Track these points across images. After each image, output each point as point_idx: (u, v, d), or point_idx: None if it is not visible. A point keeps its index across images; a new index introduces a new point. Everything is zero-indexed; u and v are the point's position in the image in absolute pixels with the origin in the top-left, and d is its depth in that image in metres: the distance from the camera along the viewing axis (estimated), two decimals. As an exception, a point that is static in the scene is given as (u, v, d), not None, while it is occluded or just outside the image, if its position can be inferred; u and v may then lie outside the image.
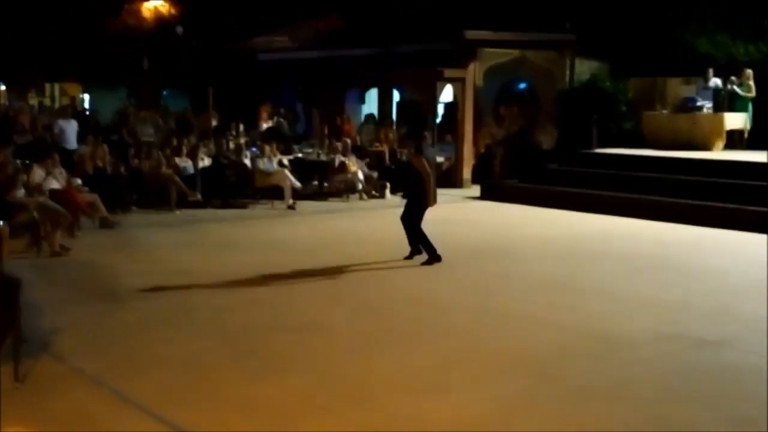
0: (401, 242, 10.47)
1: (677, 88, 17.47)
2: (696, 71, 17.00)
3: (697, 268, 9.86)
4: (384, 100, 22.46)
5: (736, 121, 16.50)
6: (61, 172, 12.02)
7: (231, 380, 5.75)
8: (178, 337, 6.82)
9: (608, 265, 10.07)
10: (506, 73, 18.99)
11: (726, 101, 16.34)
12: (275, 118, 19.87)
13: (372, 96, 22.58)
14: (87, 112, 21.81)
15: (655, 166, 15.05)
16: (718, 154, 15.79)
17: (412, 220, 9.98)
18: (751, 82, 16.36)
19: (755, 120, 16.53)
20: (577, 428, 4.99)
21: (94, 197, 12.23)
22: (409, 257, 10.04)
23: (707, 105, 16.52)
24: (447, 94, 20.36)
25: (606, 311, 7.76)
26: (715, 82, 16.45)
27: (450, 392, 5.59)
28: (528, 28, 18.30)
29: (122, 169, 14.23)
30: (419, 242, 9.99)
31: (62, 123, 16.20)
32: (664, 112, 17.29)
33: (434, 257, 9.83)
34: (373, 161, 17.41)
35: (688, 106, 16.62)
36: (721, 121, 16.34)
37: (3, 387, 5.42)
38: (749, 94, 16.39)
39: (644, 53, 17.76)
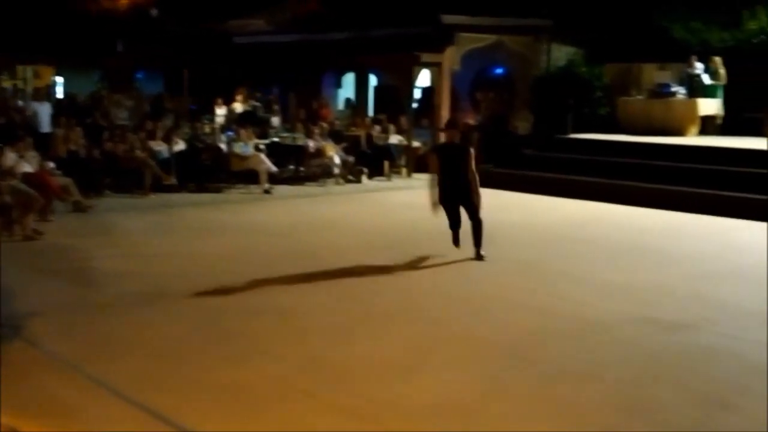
0: (377, 226, 10.48)
1: (652, 73, 17.57)
2: (671, 57, 17.11)
3: (672, 253, 9.95)
4: (360, 85, 22.41)
5: (709, 107, 16.64)
6: (33, 155, 11.91)
7: (208, 365, 5.72)
8: (154, 321, 6.78)
9: (584, 249, 10.14)
10: (483, 58, 18.99)
11: (700, 87, 16.49)
12: (250, 102, 19.76)
13: (348, 80, 22.50)
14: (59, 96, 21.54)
15: (630, 152, 15.16)
16: (693, 139, 15.93)
17: None
18: (722, 70, 16.49)
19: (727, 106, 16.68)
20: (553, 410, 5.03)
21: (68, 181, 12.12)
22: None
23: (681, 91, 16.65)
24: (424, 78, 20.34)
25: (582, 295, 7.82)
26: (699, 68, 16.56)
27: (427, 375, 5.61)
28: (505, 13, 18.29)
29: (96, 153, 14.10)
30: None
31: (36, 105, 16.01)
32: (639, 97, 17.40)
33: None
34: (350, 146, 17.38)
35: (662, 92, 16.74)
36: (695, 107, 16.48)
37: (-24, 372, 5.38)
38: (719, 82, 16.54)
39: (620, 39, 17.83)
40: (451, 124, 10.14)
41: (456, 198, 9.15)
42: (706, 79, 16.49)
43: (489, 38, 18.31)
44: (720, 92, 16.64)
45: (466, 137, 18.35)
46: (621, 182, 14.08)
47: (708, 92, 16.56)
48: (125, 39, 23.46)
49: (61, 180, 11.99)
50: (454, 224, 9.30)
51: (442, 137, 10.37)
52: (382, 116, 18.75)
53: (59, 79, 27.38)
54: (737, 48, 16.93)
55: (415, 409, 5.01)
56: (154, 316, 6.93)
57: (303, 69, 20.93)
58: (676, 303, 7.60)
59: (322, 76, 21.53)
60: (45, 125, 15.59)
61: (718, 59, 16.51)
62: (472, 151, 9.30)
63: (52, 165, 12.35)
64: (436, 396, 5.22)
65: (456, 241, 9.34)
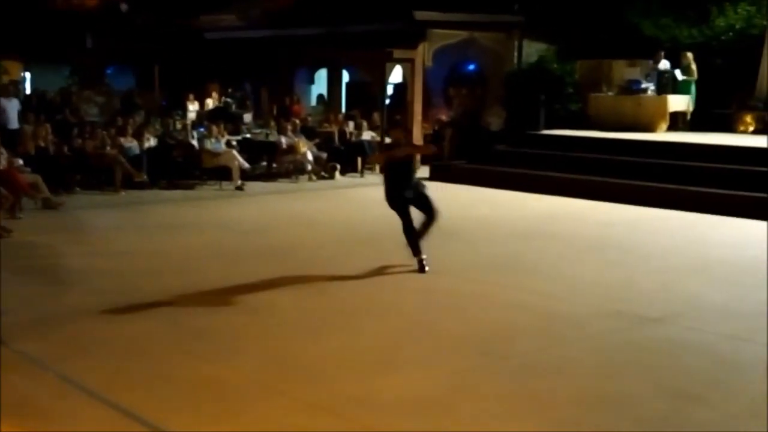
0: (350, 223, 10.48)
1: (622, 70, 17.72)
2: (641, 54, 17.26)
3: (640, 248, 10.05)
4: (333, 81, 22.39)
5: (679, 103, 16.80)
6: (1, 152, 11.75)
7: (180, 362, 5.70)
8: (125, 319, 6.73)
9: (555, 245, 10.21)
10: (456, 54, 19.04)
11: (670, 83, 16.65)
12: (222, 98, 19.68)
13: (321, 76, 22.46)
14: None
15: (601, 148, 15.27)
16: (662, 135, 16.08)
17: None
18: (693, 66, 16.66)
19: (695, 102, 16.87)
20: (524, 404, 5.07)
21: (37, 178, 11.99)
22: None
23: (651, 87, 16.80)
24: (397, 74, 20.35)
25: (552, 290, 7.88)
26: (665, 64, 16.73)
27: (399, 371, 5.62)
28: (477, 9, 18.35)
29: (65, 149, 13.95)
30: None
31: (3, 102, 15.79)
32: (610, 94, 17.53)
33: None
34: (323, 142, 17.35)
35: (632, 88, 16.87)
36: (664, 103, 16.62)
37: (-57, 372, 5.31)
38: (691, 77, 16.70)
39: (591, 35, 17.96)
40: (395, 124, 10.26)
41: (407, 199, 8.53)
42: (679, 75, 16.66)
43: (461, 34, 18.36)
44: (692, 88, 16.80)
45: (439, 134, 18.49)
46: (592, 178, 14.18)
47: (680, 88, 16.71)
48: (95, 34, 23.21)
49: (29, 177, 11.86)
50: (408, 228, 8.50)
51: (391, 138, 9.66)
52: (355, 112, 18.74)
53: (27, 75, 27.04)
54: (706, 45, 17.12)
55: (387, 405, 5.02)
56: (125, 314, 6.87)
57: (275, 65, 20.86)
58: (646, 297, 7.67)
59: (294, 72, 21.47)
60: (13, 122, 15.38)
61: (689, 54, 16.66)
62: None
63: (20, 162, 12.23)
64: (409, 392, 5.23)
65: (416, 251, 8.49)
